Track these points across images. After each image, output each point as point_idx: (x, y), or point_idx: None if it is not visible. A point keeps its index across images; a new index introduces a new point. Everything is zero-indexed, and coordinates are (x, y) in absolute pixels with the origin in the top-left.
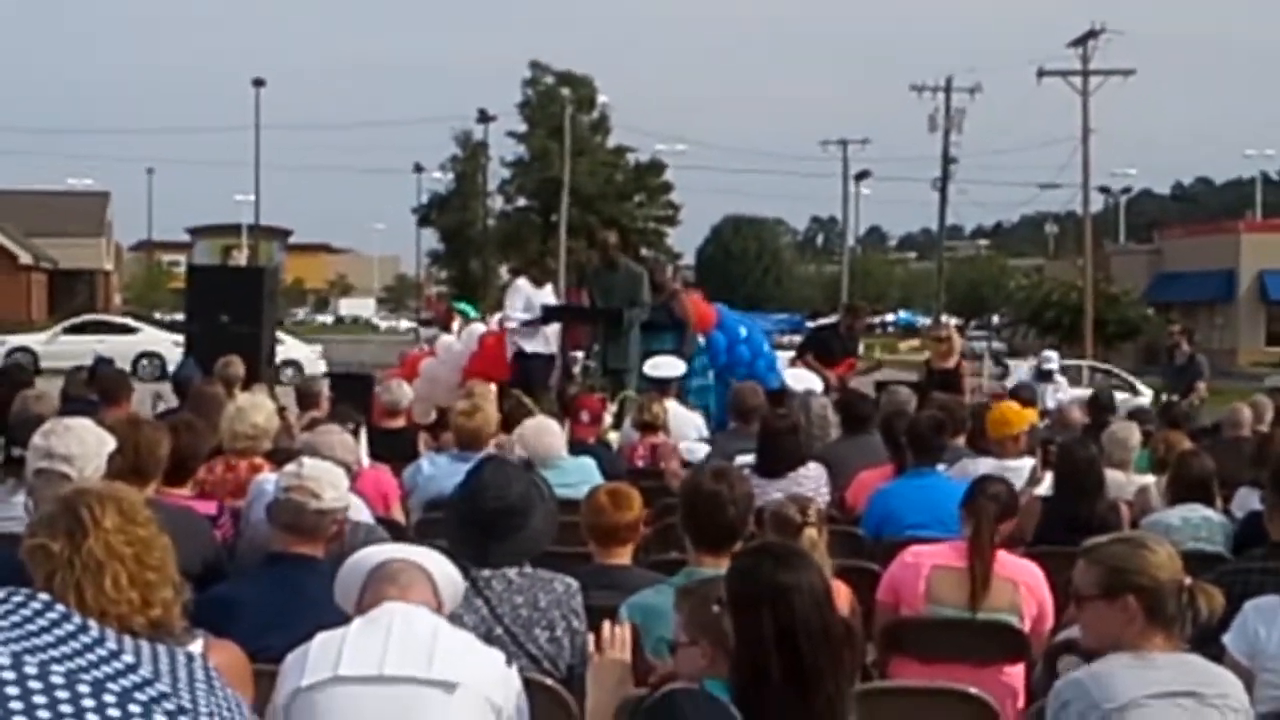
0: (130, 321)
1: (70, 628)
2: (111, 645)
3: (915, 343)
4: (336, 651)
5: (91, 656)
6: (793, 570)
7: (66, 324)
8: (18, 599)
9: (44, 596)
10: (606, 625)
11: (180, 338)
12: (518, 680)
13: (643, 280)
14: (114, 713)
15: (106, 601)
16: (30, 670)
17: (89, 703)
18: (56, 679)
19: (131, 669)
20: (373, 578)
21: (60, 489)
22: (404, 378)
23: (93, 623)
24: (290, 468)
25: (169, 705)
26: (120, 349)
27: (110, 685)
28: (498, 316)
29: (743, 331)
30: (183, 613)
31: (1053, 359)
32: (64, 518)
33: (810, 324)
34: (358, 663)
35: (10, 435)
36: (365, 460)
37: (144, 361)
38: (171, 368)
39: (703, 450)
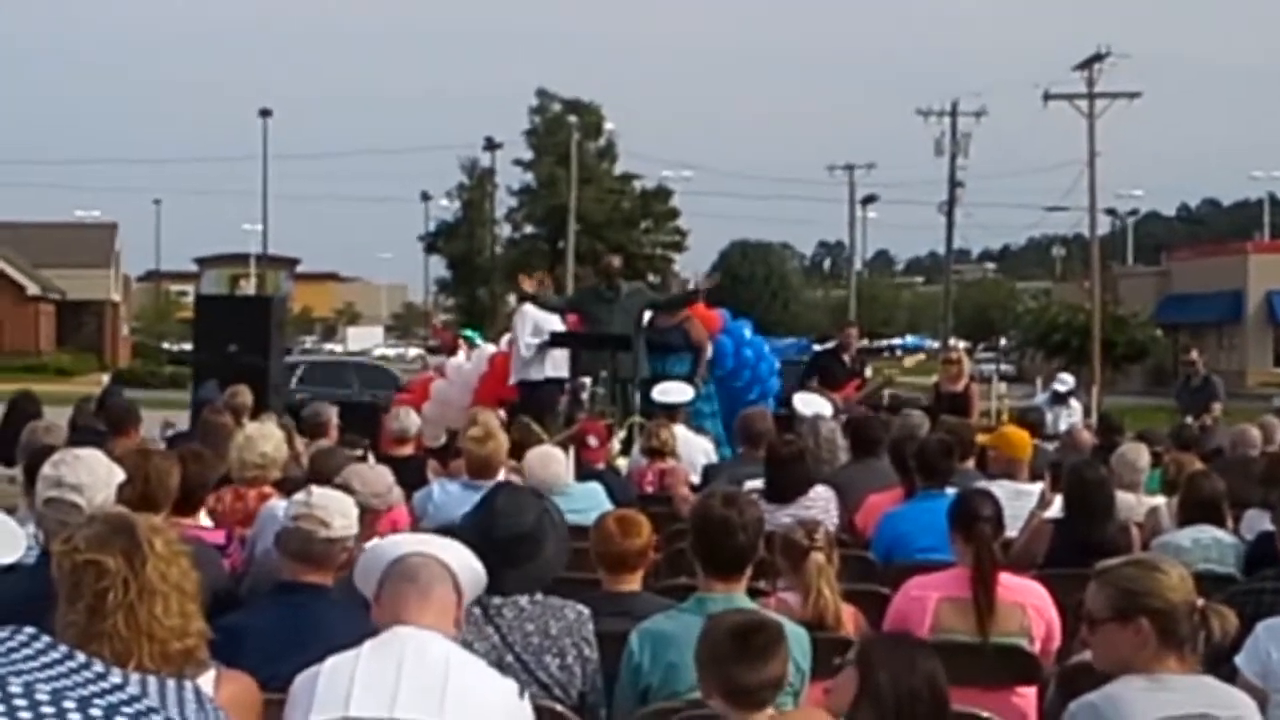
0: None
1: (56, 655)
2: (98, 668)
3: (921, 357)
4: (347, 685)
5: (78, 678)
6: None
7: None
8: (1, 634)
9: (30, 630)
10: None
11: None
12: (530, 713)
13: (643, 294)
14: (96, 713)
15: (156, 625)
16: (15, 689)
17: (75, 717)
18: (42, 696)
19: (118, 688)
20: (392, 573)
21: (71, 518)
22: (414, 402)
23: (79, 653)
24: (299, 496)
25: (156, 719)
26: None
27: (97, 700)
28: (506, 338)
29: (746, 333)
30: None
31: (1068, 381)
32: (119, 538)
33: (817, 347)
34: (368, 703)
35: (23, 466)
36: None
37: None
38: None
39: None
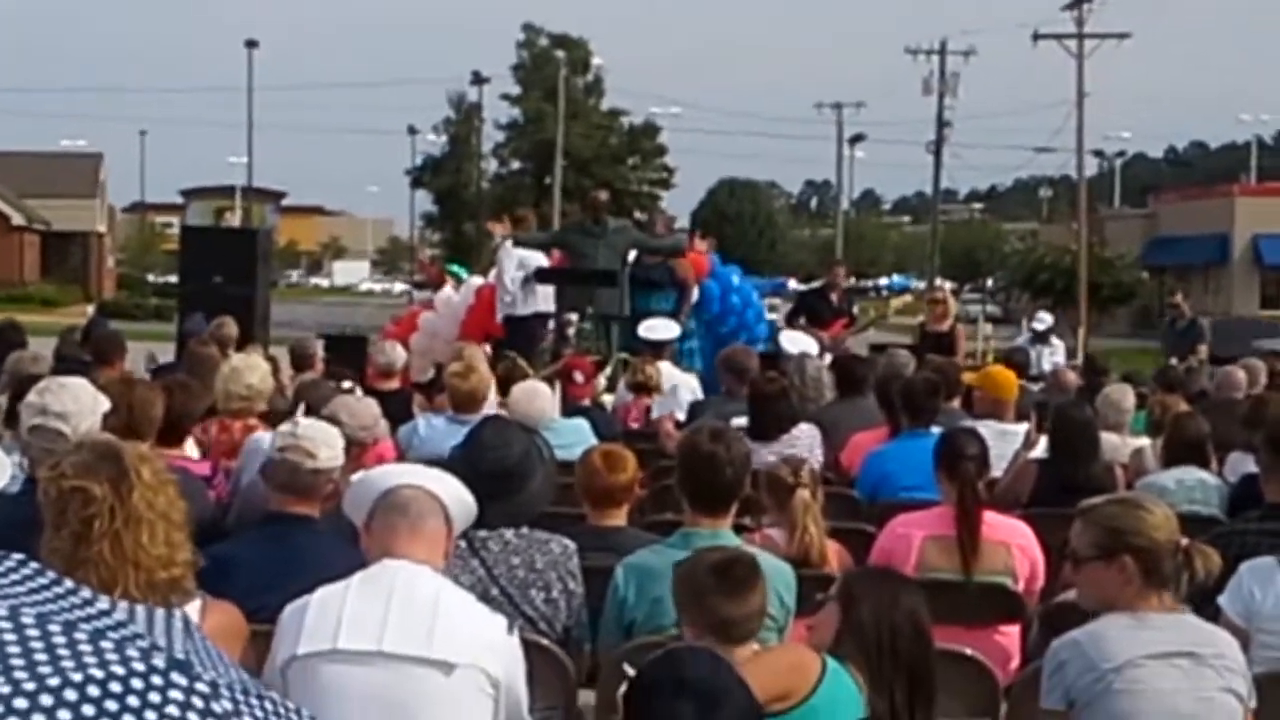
0: None
1: (44, 580)
2: (85, 594)
3: (909, 299)
4: (336, 618)
5: (64, 603)
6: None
7: None
8: None
9: (17, 555)
10: None
11: None
12: (519, 648)
13: (629, 231)
14: (85, 647)
15: (141, 553)
16: (1, 612)
17: (60, 639)
18: (27, 619)
19: (105, 613)
20: (382, 504)
21: (56, 445)
22: (402, 334)
23: (66, 579)
24: (285, 427)
25: (142, 643)
26: None
27: (83, 625)
28: (493, 272)
29: (735, 279)
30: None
31: (1046, 320)
32: (105, 465)
33: (795, 286)
34: (356, 636)
35: (7, 395)
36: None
37: None
38: None
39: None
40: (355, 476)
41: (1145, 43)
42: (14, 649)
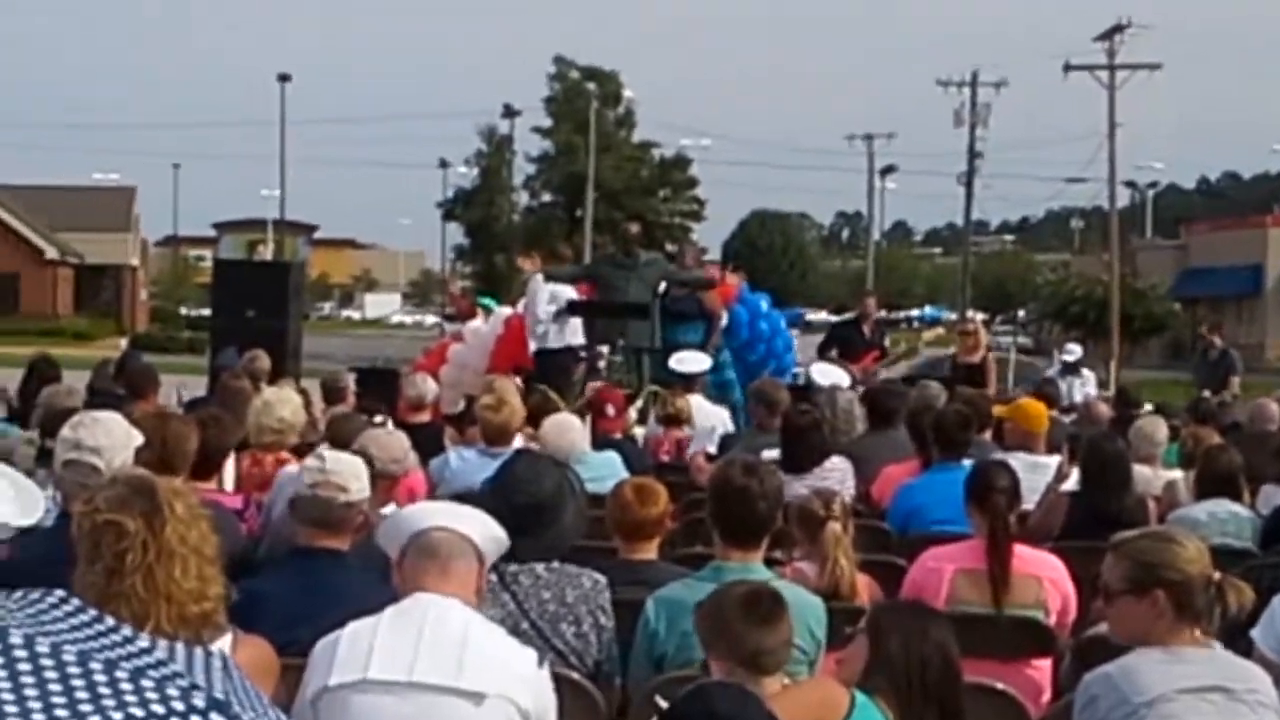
0: None
1: (85, 618)
2: (126, 632)
3: (940, 331)
4: (367, 649)
5: (105, 640)
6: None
7: None
8: (33, 596)
9: (60, 592)
10: None
11: None
12: (549, 681)
13: (660, 264)
14: (126, 685)
15: (174, 587)
16: (42, 649)
17: (101, 677)
18: (68, 656)
19: (145, 652)
20: (414, 544)
21: (90, 480)
22: (432, 367)
23: (107, 616)
24: (312, 462)
25: (182, 683)
26: None
27: (123, 664)
28: (522, 303)
29: (763, 306)
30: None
31: (1076, 351)
32: (139, 499)
33: (827, 317)
34: (387, 666)
35: (40, 429)
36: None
37: None
38: None
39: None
40: (387, 511)
41: (1177, 73)
42: (55, 686)
